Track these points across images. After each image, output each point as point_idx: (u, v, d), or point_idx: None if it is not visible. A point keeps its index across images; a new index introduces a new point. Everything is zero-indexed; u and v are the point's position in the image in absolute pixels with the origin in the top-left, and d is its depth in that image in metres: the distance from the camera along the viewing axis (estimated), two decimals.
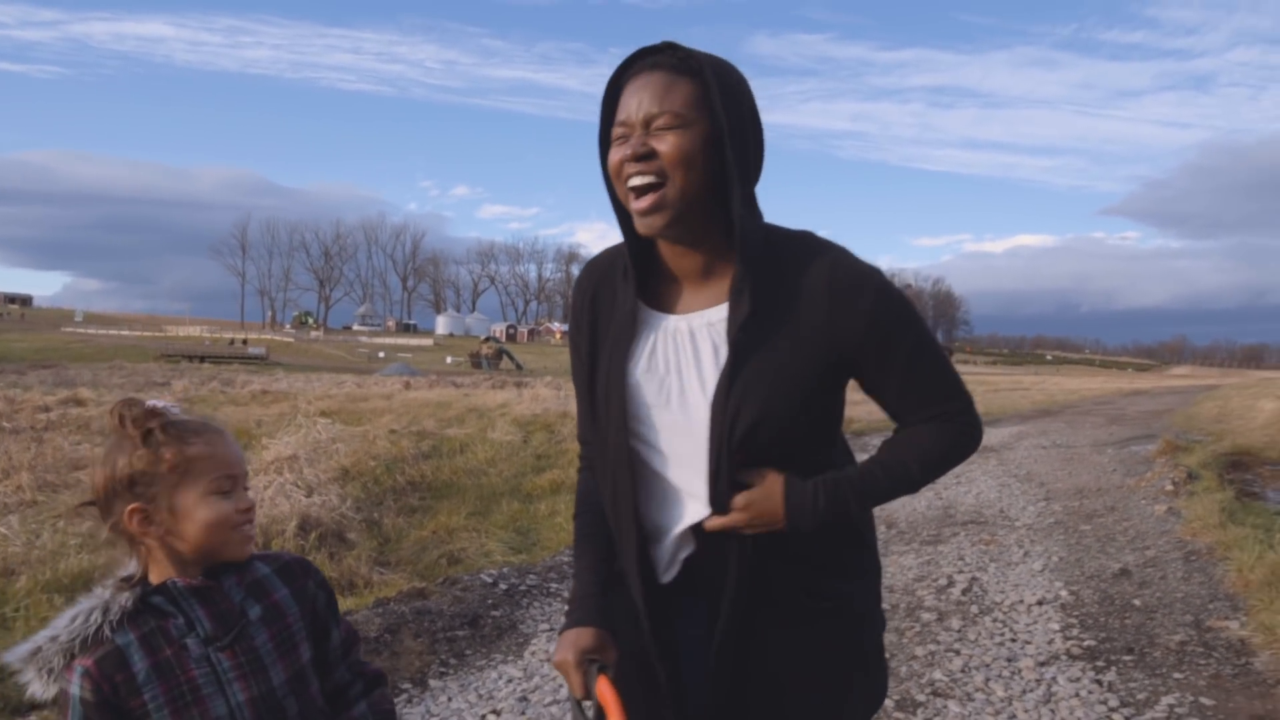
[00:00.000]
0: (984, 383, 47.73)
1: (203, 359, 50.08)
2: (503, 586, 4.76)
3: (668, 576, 1.34)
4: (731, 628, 1.28)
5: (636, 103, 1.23)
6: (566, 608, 1.38)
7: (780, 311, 1.25)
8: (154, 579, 1.20)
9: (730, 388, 1.23)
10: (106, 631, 1.14)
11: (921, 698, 3.46)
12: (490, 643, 4.09)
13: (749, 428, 1.22)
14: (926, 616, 4.50)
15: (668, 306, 1.34)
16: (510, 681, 3.65)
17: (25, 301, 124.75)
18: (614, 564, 1.40)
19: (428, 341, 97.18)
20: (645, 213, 1.23)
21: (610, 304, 1.37)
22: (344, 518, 6.28)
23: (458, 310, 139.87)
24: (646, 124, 1.22)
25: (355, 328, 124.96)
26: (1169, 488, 8.12)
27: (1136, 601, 4.73)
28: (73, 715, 1.12)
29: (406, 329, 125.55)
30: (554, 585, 4.98)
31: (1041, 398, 30.47)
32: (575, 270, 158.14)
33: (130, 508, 1.16)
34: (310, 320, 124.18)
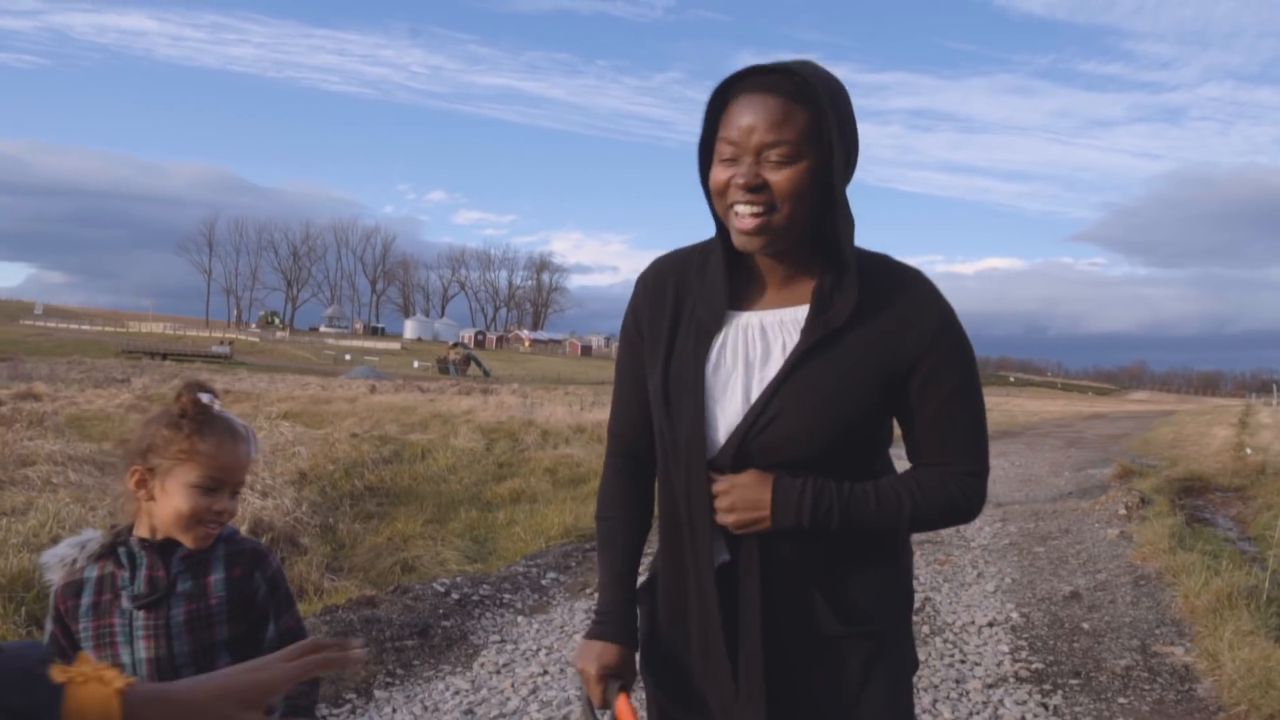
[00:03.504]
0: None
1: (165, 356, 49.22)
2: (455, 596, 4.71)
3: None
4: (752, 647, 1.28)
5: (749, 125, 1.22)
6: (594, 615, 1.40)
7: (854, 326, 1.26)
8: (135, 532, 1.38)
9: (782, 384, 1.26)
10: (79, 563, 1.36)
11: None
12: (439, 653, 4.04)
13: (787, 430, 1.25)
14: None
15: (745, 306, 1.35)
16: (457, 694, 3.59)
17: None
18: (640, 550, 1.45)
19: (395, 345, 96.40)
20: (749, 234, 1.24)
21: (685, 296, 1.38)
22: (298, 522, 6.19)
23: (426, 315, 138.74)
24: (758, 151, 1.22)
25: (322, 329, 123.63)
26: (1122, 512, 8.25)
27: (1086, 625, 4.78)
28: (49, 619, 1.36)
29: (374, 332, 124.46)
30: (507, 596, 4.93)
31: (1002, 419, 30.88)
32: (547, 278, 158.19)
33: (133, 468, 1.35)
34: (276, 320, 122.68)
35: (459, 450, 10.38)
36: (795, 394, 1.25)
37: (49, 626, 1.36)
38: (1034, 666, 4.11)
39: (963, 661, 4.17)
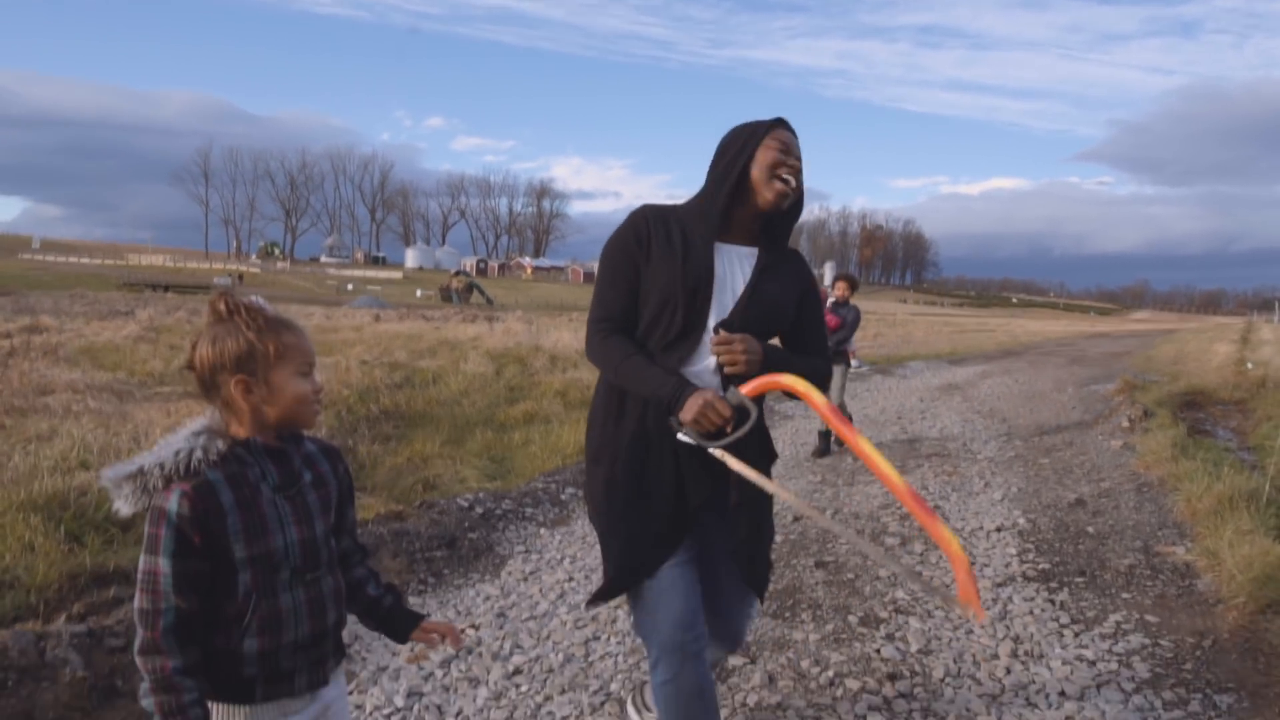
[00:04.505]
0: (950, 324, 48.30)
1: (167, 288, 49.14)
2: (479, 510, 4.85)
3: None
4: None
5: (792, 142, 2.02)
6: (670, 382, 1.90)
7: (783, 265, 2.09)
8: (235, 435, 1.46)
9: (755, 286, 2.02)
10: (203, 467, 1.40)
11: (884, 614, 3.61)
12: (467, 563, 4.19)
13: (764, 314, 2.02)
14: (890, 541, 4.67)
15: (724, 239, 2.05)
16: (488, 599, 3.75)
17: None
18: None
19: (397, 274, 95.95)
20: (779, 197, 1.98)
21: (684, 233, 2.01)
22: None
23: (427, 243, 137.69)
24: (795, 158, 2.01)
25: (323, 259, 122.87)
26: (1125, 424, 8.38)
27: (1090, 529, 4.93)
28: (165, 526, 1.36)
29: (375, 261, 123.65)
30: (529, 510, 5.07)
31: (1005, 339, 30.96)
32: (547, 205, 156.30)
33: (236, 378, 1.43)
34: (276, 251, 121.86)
35: (470, 375, 10.48)
36: (764, 289, 2.02)
37: (167, 534, 1.36)
38: (1041, 567, 4.26)
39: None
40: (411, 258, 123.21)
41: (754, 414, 1.86)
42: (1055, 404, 10.91)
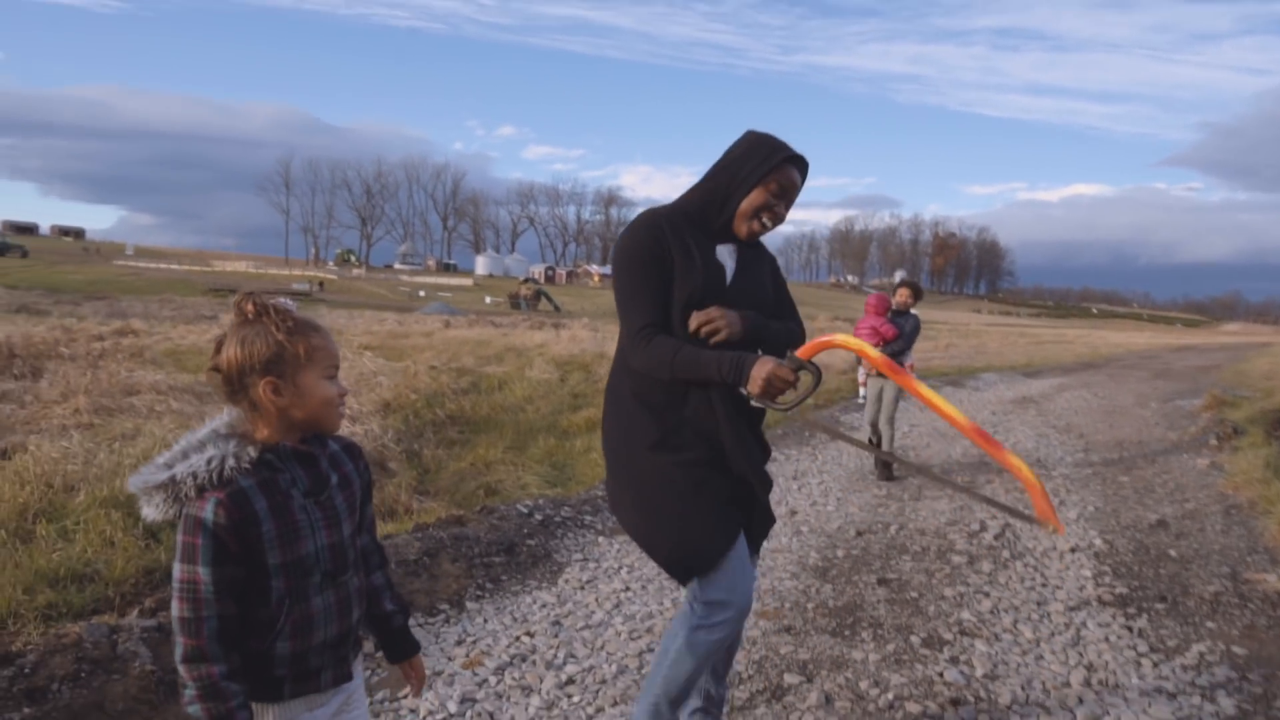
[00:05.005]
0: (1026, 334, 46.91)
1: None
2: (538, 517, 4.87)
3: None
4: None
5: (793, 185, 2.17)
6: (730, 359, 2.02)
7: (755, 251, 2.31)
8: (260, 438, 1.46)
9: (742, 275, 2.23)
10: (236, 474, 1.40)
11: (949, 636, 3.49)
12: (525, 569, 4.20)
13: (756, 298, 2.23)
14: (957, 559, 4.53)
15: (716, 240, 2.25)
16: (544, 606, 3.75)
17: (78, 234, 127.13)
18: None
19: (467, 281, 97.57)
20: (753, 236, 2.21)
21: (691, 236, 2.17)
22: (385, 448, 6.43)
23: (497, 251, 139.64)
24: (788, 203, 2.18)
25: (396, 266, 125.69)
26: (1213, 442, 7.99)
27: (1172, 552, 4.70)
28: (202, 535, 1.36)
29: (446, 268, 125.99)
30: (588, 518, 5.07)
31: (1085, 351, 29.91)
32: (615, 213, 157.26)
33: (266, 380, 1.43)
34: (353, 258, 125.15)
35: (534, 381, 10.57)
36: (750, 278, 2.23)
37: (205, 542, 1.36)
38: (1118, 591, 4.07)
39: (1044, 585, 4.15)
40: (481, 265, 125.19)
41: (818, 372, 2.00)
42: (1137, 419, 10.47)
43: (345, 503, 1.54)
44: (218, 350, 1.46)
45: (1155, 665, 3.26)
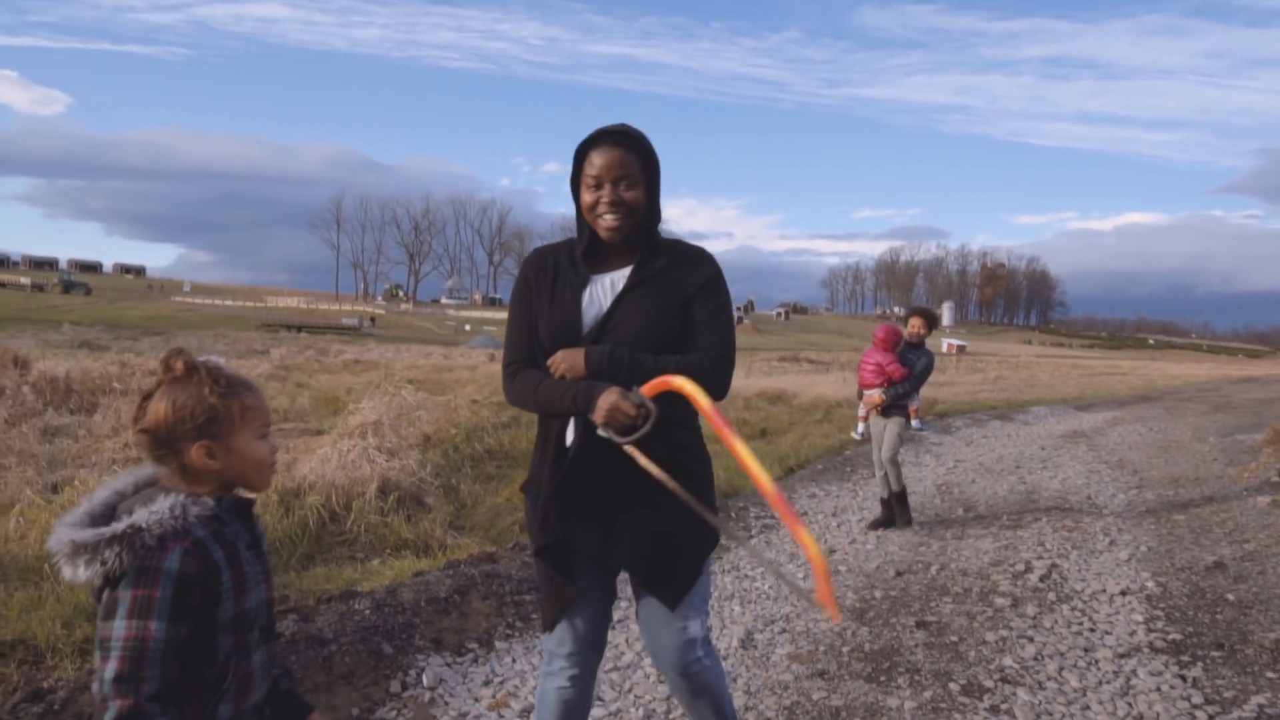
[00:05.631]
0: (1078, 366, 45.84)
1: (300, 328, 52.02)
2: None
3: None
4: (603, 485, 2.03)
5: (605, 164, 1.99)
6: (578, 388, 1.95)
7: (660, 275, 2.06)
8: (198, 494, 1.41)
9: (613, 312, 2.04)
10: (195, 525, 1.35)
11: (989, 684, 3.37)
12: None
13: (628, 338, 2.01)
14: (1000, 601, 4.38)
15: (601, 270, 2.11)
16: None
17: (139, 272, 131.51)
18: None
19: None
20: (612, 231, 2.03)
21: (558, 268, 2.12)
22: (423, 482, 6.46)
23: None
24: (615, 181, 2.00)
25: (443, 300, 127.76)
26: (1275, 479, 7.67)
27: (1230, 596, 4.49)
28: (164, 586, 1.29)
29: (492, 303, 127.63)
30: None
31: (1140, 383, 29.14)
32: None
33: (199, 444, 1.38)
34: (400, 293, 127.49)
35: None
36: (626, 313, 2.02)
37: (166, 595, 1.29)
38: (1171, 637, 3.89)
39: (1092, 630, 3.99)
40: None
41: (653, 411, 1.90)
42: (1194, 455, 10.12)
43: (267, 559, 1.52)
44: (142, 410, 1.40)
45: (1211, 718, 3.10)
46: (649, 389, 1.93)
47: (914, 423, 6.09)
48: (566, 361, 1.98)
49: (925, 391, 16.75)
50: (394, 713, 3.02)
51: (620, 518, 2.03)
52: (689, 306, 2.05)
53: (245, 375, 1.48)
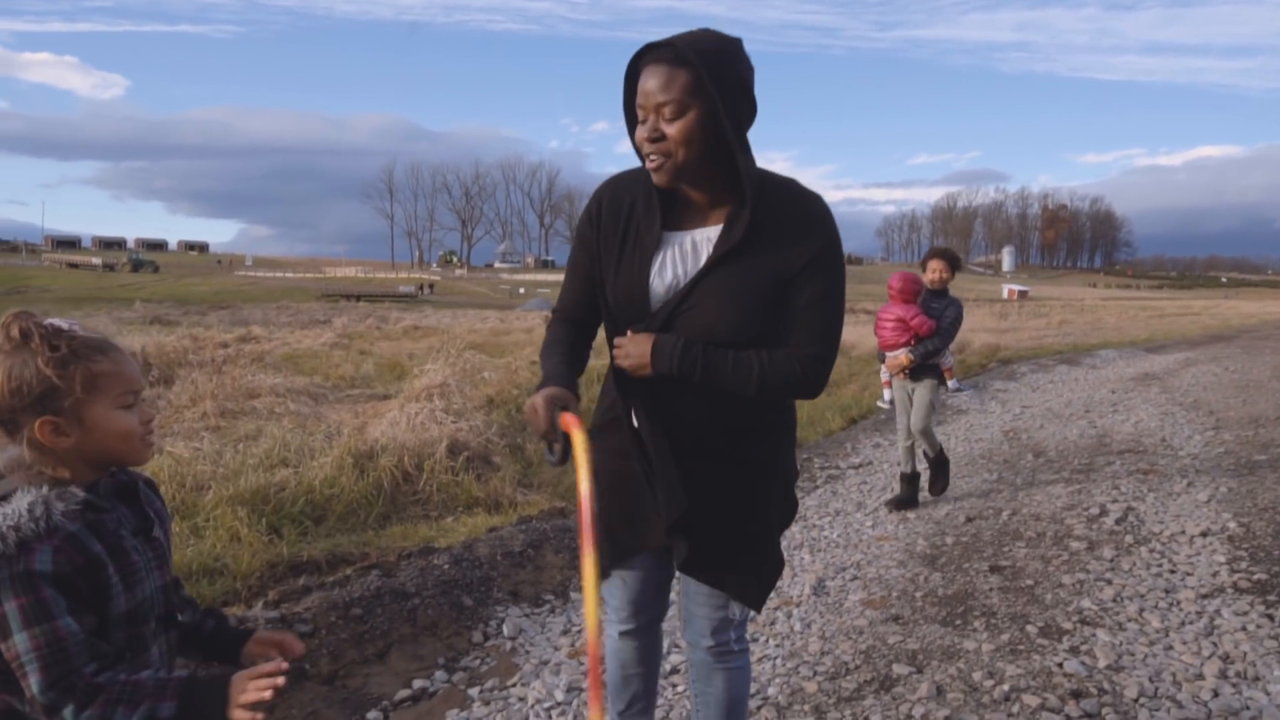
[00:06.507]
0: (1147, 308, 44.41)
1: (359, 297, 53.01)
2: None
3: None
4: (664, 466, 1.74)
5: (645, 90, 1.59)
6: (540, 381, 1.73)
7: (754, 240, 1.63)
8: (60, 478, 1.25)
9: (691, 291, 1.66)
10: (62, 521, 1.19)
11: (1068, 625, 3.34)
12: None
13: (705, 325, 1.65)
14: (1075, 545, 4.32)
15: (682, 225, 1.72)
16: None
17: (202, 249, 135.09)
18: (578, 365, 1.83)
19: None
20: (656, 173, 1.63)
21: (633, 217, 1.74)
22: (490, 442, 6.58)
23: None
24: (657, 109, 1.59)
25: (496, 265, 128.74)
26: None
27: None
28: (45, 588, 1.15)
29: (545, 265, 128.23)
30: None
31: (1213, 323, 28.14)
32: None
33: (41, 420, 1.21)
34: (455, 259, 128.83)
35: None
36: (707, 293, 1.64)
37: (50, 594, 1.16)
38: (1256, 577, 3.81)
39: (1172, 572, 3.92)
40: None
41: (563, 452, 1.61)
42: (1274, 394, 9.77)
43: (165, 540, 1.37)
44: None
45: None
46: (573, 419, 1.59)
47: (950, 383, 5.41)
48: (632, 357, 1.68)
49: (984, 339, 16.34)
50: (478, 661, 3.13)
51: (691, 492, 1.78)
52: (789, 288, 1.65)
53: (100, 337, 1.29)
